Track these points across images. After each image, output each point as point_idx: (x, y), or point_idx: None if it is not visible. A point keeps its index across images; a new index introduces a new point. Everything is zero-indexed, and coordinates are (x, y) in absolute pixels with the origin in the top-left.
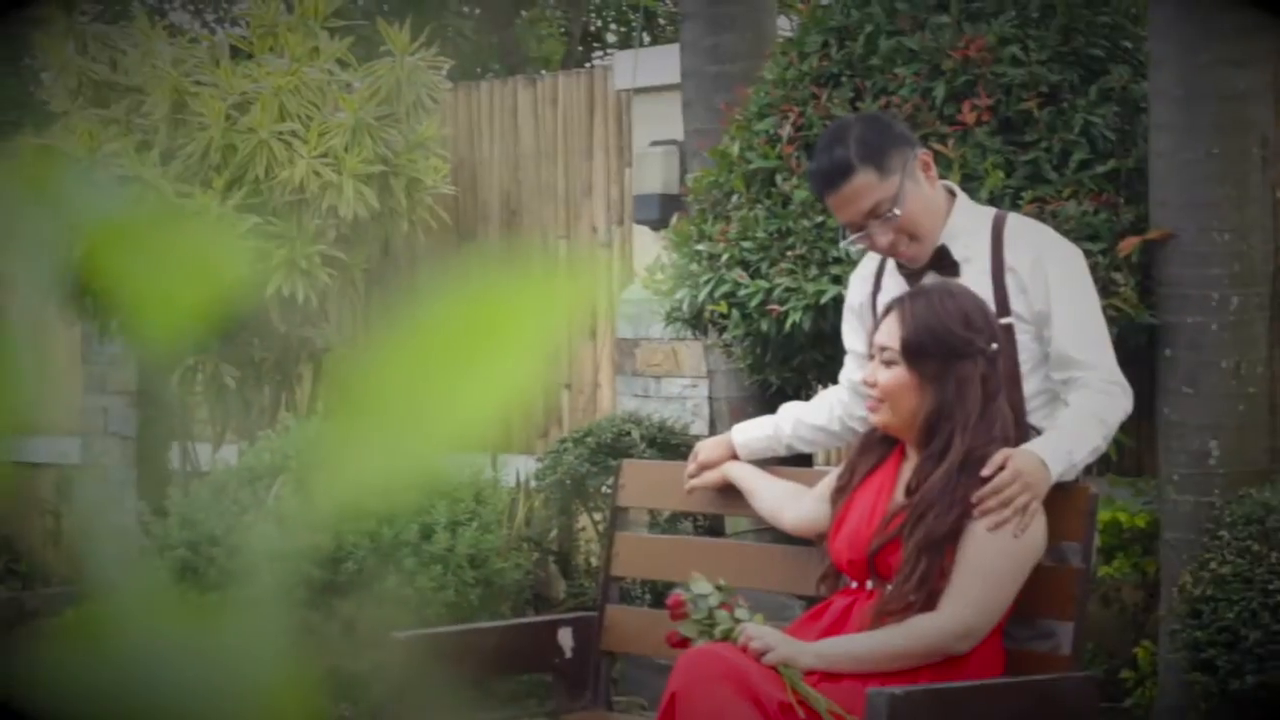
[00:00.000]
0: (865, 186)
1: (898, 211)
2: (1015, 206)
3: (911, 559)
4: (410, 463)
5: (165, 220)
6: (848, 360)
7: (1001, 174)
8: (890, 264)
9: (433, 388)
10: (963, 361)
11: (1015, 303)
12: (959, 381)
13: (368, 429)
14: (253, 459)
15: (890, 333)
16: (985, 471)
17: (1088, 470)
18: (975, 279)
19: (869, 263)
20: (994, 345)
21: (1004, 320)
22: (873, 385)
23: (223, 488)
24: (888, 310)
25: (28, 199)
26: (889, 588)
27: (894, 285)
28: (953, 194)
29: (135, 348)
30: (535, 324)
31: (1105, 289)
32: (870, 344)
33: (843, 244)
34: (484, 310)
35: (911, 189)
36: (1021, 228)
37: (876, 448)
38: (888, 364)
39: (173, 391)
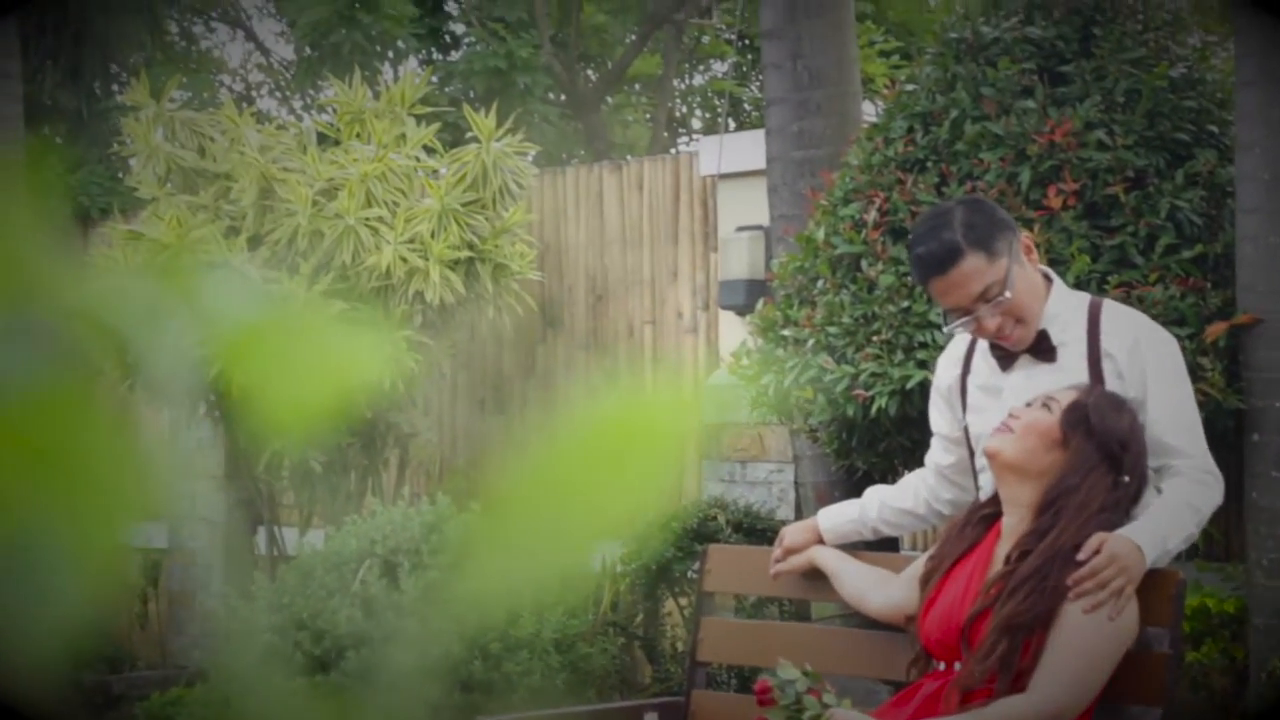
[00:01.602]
0: (974, 271)
1: (1009, 294)
2: (1101, 291)
3: (994, 635)
4: (552, 562)
5: (287, 320)
6: (934, 443)
7: (1087, 259)
8: (981, 346)
9: (572, 493)
10: (1101, 463)
11: (1111, 388)
12: (1086, 472)
13: (512, 529)
14: (339, 543)
15: (1067, 394)
16: (1081, 555)
17: (1175, 556)
18: (1072, 363)
19: (958, 345)
20: (1125, 478)
21: None
22: (1016, 416)
23: (309, 572)
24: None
25: (140, 293)
26: (972, 664)
27: (984, 367)
28: (1048, 278)
29: (264, 443)
30: (662, 440)
31: (1193, 374)
32: (957, 426)
33: (946, 329)
34: (615, 423)
35: (1018, 272)
36: (1118, 314)
37: (970, 532)
38: (1045, 407)
39: (260, 476)
